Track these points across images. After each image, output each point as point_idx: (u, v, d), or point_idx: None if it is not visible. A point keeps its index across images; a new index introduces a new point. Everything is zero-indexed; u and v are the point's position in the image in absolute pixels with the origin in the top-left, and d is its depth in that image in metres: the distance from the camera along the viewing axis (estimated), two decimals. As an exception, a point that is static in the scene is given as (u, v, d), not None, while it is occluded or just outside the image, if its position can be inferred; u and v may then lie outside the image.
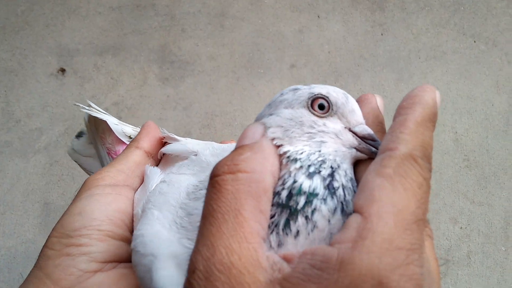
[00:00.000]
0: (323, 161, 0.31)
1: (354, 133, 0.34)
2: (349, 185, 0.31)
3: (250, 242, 0.24)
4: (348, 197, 0.30)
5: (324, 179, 0.30)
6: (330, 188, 0.30)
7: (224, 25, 1.32)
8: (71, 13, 1.37)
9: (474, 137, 1.23)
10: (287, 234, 0.29)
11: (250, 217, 0.25)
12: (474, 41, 1.27)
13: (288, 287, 0.22)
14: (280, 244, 0.28)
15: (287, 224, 0.29)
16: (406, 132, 0.26)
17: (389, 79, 1.27)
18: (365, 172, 0.26)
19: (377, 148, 0.32)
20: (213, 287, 0.22)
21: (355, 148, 0.33)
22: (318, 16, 1.31)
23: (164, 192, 0.39)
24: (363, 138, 0.33)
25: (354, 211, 0.24)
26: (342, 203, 0.29)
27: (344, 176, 0.31)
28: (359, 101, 0.34)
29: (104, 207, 0.38)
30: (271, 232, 0.29)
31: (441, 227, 1.19)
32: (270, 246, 0.29)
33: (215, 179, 0.26)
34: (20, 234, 1.24)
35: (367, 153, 0.33)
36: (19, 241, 1.23)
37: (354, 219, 0.23)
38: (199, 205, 0.33)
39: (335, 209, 0.29)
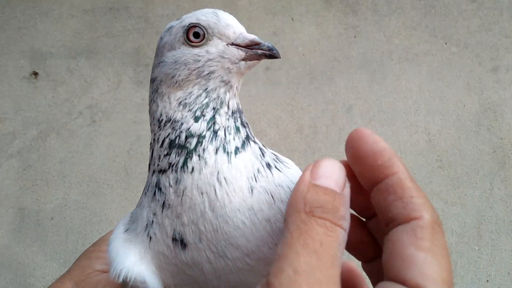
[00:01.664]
0: (207, 104, 0.35)
1: (238, 45, 0.36)
2: (231, 123, 0.36)
3: None
4: (229, 137, 0.35)
5: (207, 122, 0.35)
6: (212, 131, 0.35)
7: (198, 28, 1.36)
8: (43, 15, 1.39)
9: (447, 137, 1.28)
10: (184, 171, 0.34)
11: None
12: (446, 43, 1.32)
13: None
14: (177, 181, 0.34)
15: (185, 163, 0.34)
16: (415, 195, 0.28)
17: (362, 81, 1.31)
18: (399, 239, 0.27)
19: (262, 50, 0.36)
20: None
21: (243, 59, 0.36)
22: (292, 19, 1.36)
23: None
24: (247, 46, 0.36)
25: (404, 281, 0.26)
26: (223, 144, 0.34)
27: (225, 114, 0.36)
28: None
29: None
30: (171, 172, 0.34)
31: (414, 227, 1.23)
32: (169, 184, 0.34)
33: (317, 220, 0.27)
34: (-7, 240, 1.26)
35: (256, 57, 0.36)
36: (-8, 247, 1.25)
37: None
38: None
39: (217, 149, 0.34)
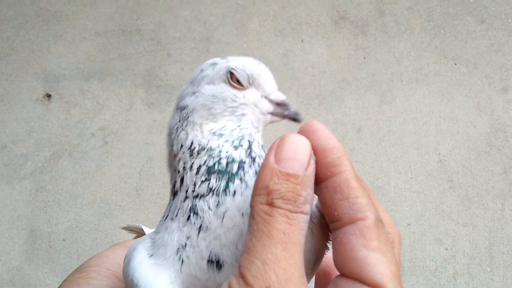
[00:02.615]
0: (243, 137, 0.39)
1: (270, 100, 0.41)
2: (261, 152, 0.39)
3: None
4: (261, 162, 0.38)
5: (246, 150, 0.38)
6: (251, 157, 0.38)
7: (209, 50, 1.40)
8: (56, 38, 1.44)
9: (457, 158, 1.30)
10: (226, 194, 0.36)
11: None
12: (455, 64, 1.35)
13: None
14: (218, 204, 0.36)
15: (227, 186, 0.36)
16: (359, 195, 0.30)
17: (372, 102, 1.34)
18: (348, 240, 0.30)
19: (289, 111, 0.41)
20: None
21: (270, 113, 0.41)
22: (302, 40, 1.39)
23: None
24: (277, 104, 0.41)
25: (372, 286, 0.29)
26: (259, 167, 0.37)
27: (257, 146, 0.39)
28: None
29: (120, 252, 0.50)
30: (211, 196, 0.36)
31: (426, 248, 1.25)
32: (208, 208, 0.36)
33: (278, 211, 0.29)
34: (5, 262, 1.28)
35: (281, 116, 0.41)
36: (5, 268, 1.28)
37: None
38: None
39: (256, 172, 0.37)
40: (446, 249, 1.25)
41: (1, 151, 1.37)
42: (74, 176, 1.34)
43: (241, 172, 0.37)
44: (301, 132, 0.32)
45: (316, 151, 0.31)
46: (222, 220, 0.36)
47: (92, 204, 1.32)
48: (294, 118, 0.41)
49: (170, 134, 0.41)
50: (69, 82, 1.41)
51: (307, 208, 0.30)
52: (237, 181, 0.37)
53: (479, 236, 1.25)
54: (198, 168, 0.38)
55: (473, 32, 1.38)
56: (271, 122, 0.42)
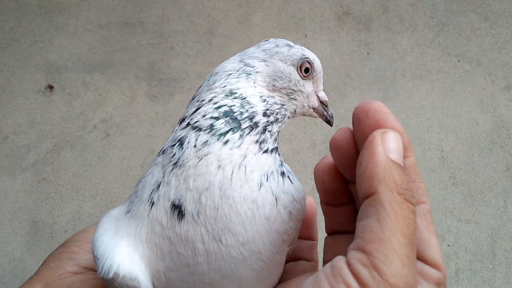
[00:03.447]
0: (277, 112, 0.42)
1: (318, 97, 0.46)
2: (275, 134, 0.41)
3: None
4: (270, 139, 0.40)
5: (267, 121, 0.40)
6: (264, 128, 0.40)
7: (212, 43, 1.41)
8: (59, 30, 1.45)
9: (460, 155, 1.32)
10: (218, 139, 0.37)
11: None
12: (459, 61, 1.36)
13: None
14: (205, 143, 0.37)
15: (226, 133, 0.37)
16: (422, 181, 0.33)
17: (375, 97, 1.36)
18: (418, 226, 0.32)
19: (327, 113, 0.47)
20: None
21: (313, 108, 0.46)
22: (305, 35, 1.41)
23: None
24: (322, 102, 0.46)
25: (431, 265, 0.32)
26: (262, 141, 0.39)
27: (277, 127, 0.42)
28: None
29: None
30: (207, 133, 0.37)
31: (427, 244, 1.27)
32: (195, 143, 0.37)
33: (408, 205, 0.30)
34: (7, 253, 1.30)
35: (320, 114, 0.47)
36: (7, 260, 1.29)
37: (435, 273, 0.31)
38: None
39: (256, 141, 0.39)
40: (448, 245, 1.27)
41: (3, 142, 1.38)
42: (76, 168, 1.36)
43: (246, 131, 0.38)
44: (368, 109, 0.33)
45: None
46: (198, 161, 0.36)
47: (94, 196, 1.33)
48: (329, 121, 0.48)
49: (218, 74, 0.43)
50: (71, 74, 1.42)
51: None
52: (237, 134, 0.38)
53: (481, 233, 1.27)
54: (221, 106, 0.39)
55: (477, 30, 1.39)
56: (307, 115, 0.46)
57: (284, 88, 0.43)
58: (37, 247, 1.31)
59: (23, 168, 1.36)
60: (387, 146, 0.31)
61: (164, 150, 0.39)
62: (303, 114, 0.46)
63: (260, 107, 0.40)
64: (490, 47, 1.37)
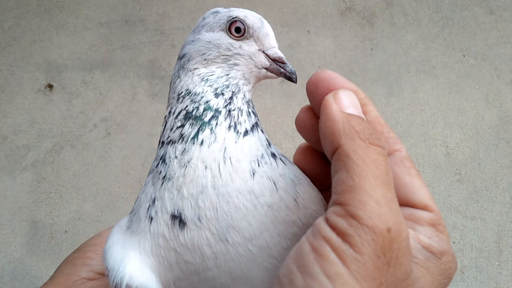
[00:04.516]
0: (227, 86, 0.40)
1: (267, 55, 0.41)
2: (245, 107, 0.39)
3: None
4: (241, 118, 0.38)
5: (225, 100, 0.39)
6: (228, 109, 0.38)
7: (214, 40, 1.43)
8: (59, 28, 1.47)
9: (466, 151, 1.33)
10: (193, 142, 0.37)
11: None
12: (464, 56, 1.37)
13: None
14: (184, 152, 0.37)
15: (196, 134, 0.37)
16: (390, 129, 0.35)
17: (379, 94, 1.37)
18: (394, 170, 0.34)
19: (285, 70, 0.41)
20: None
21: (265, 68, 0.41)
22: (308, 31, 1.42)
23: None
24: (274, 60, 0.42)
25: (420, 208, 0.33)
26: (235, 123, 0.38)
27: (241, 99, 0.40)
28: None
29: None
30: (180, 143, 0.37)
31: (433, 242, 1.27)
32: (175, 155, 0.37)
33: (376, 149, 0.30)
34: (7, 254, 1.31)
35: (277, 72, 0.42)
36: (6, 260, 1.30)
37: (427, 214, 0.32)
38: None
39: (229, 126, 0.37)
40: (454, 242, 1.27)
41: (3, 142, 1.39)
42: (76, 168, 1.37)
43: (213, 122, 0.37)
44: (317, 80, 0.35)
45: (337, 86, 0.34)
46: (184, 169, 0.36)
47: (94, 196, 1.35)
48: (290, 77, 0.42)
49: (170, 85, 0.42)
50: (71, 73, 1.44)
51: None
52: (207, 130, 0.37)
53: (487, 230, 1.28)
54: (179, 113, 0.39)
55: (482, 24, 1.40)
56: (265, 78, 0.42)
57: (217, 57, 0.40)
58: (37, 248, 1.32)
59: (23, 168, 1.37)
60: (341, 103, 0.32)
61: (151, 171, 0.40)
62: (260, 78, 0.42)
63: (208, 92, 0.39)
64: (495, 42, 1.38)
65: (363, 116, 0.33)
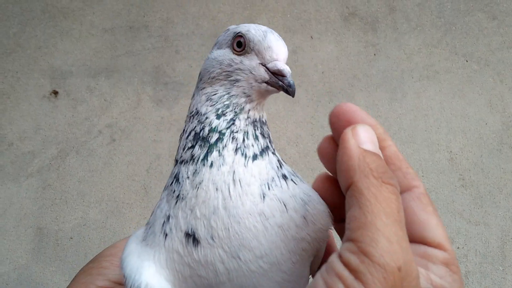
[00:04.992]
0: (228, 106, 0.40)
1: (267, 68, 0.40)
2: (250, 129, 0.40)
3: None
4: (247, 141, 0.39)
5: (227, 122, 0.39)
6: (231, 131, 0.39)
7: (217, 47, 1.45)
8: (63, 35, 1.49)
9: (469, 156, 1.34)
10: (204, 164, 0.38)
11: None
12: (466, 61, 1.39)
13: None
14: (195, 173, 0.38)
15: (205, 156, 0.38)
16: (408, 165, 0.35)
17: (382, 99, 1.39)
18: (411, 206, 0.34)
19: (283, 83, 0.40)
20: None
21: (265, 82, 0.40)
22: (311, 37, 1.44)
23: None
24: (273, 73, 0.40)
25: (434, 246, 0.33)
26: (242, 146, 0.38)
27: (245, 120, 0.40)
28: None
29: None
30: (191, 164, 0.38)
31: (437, 247, 1.29)
32: (187, 175, 0.38)
33: (388, 187, 0.31)
34: (12, 260, 1.33)
35: (276, 86, 0.40)
36: (12, 267, 1.32)
37: (441, 253, 0.33)
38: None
39: (236, 149, 0.38)
40: (458, 247, 1.29)
41: (8, 149, 1.41)
42: (82, 174, 1.39)
43: (219, 145, 0.38)
44: (338, 112, 0.36)
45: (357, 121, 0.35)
46: (196, 191, 0.37)
47: (99, 202, 1.37)
48: (286, 90, 0.40)
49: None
50: (76, 79, 1.46)
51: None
52: (215, 153, 0.38)
53: (491, 235, 1.29)
54: (190, 133, 0.40)
55: (485, 29, 1.42)
56: (268, 93, 0.41)
57: (220, 74, 0.41)
58: (42, 254, 1.33)
59: (28, 175, 1.39)
60: (359, 139, 0.33)
61: (166, 187, 0.41)
62: (262, 93, 0.41)
63: (211, 112, 0.39)
64: (498, 47, 1.40)
65: (379, 152, 0.34)
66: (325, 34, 1.44)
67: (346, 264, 0.29)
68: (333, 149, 0.37)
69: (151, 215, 0.43)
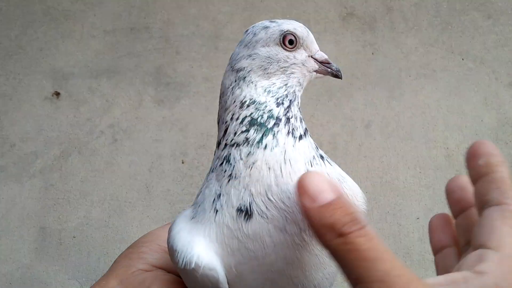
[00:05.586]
0: (286, 95, 0.46)
1: (315, 59, 0.50)
2: (298, 114, 0.47)
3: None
4: (296, 124, 0.45)
5: (285, 109, 0.46)
6: (287, 116, 0.45)
7: (218, 47, 1.49)
8: (65, 36, 1.53)
9: (465, 152, 1.38)
10: (258, 146, 0.43)
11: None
12: (462, 59, 1.44)
13: None
14: (249, 154, 0.43)
15: (261, 139, 0.44)
16: (510, 189, 0.37)
17: (381, 97, 1.43)
18: (490, 216, 0.36)
19: (331, 69, 0.50)
20: None
21: (315, 71, 0.50)
22: (310, 37, 1.48)
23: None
24: (321, 62, 0.50)
25: (487, 246, 0.34)
26: (293, 128, 0.45)
27: (296, 106, 0.47)
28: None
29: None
30: (245, 146, 0.43)
31: (436, 242, 1.33)
32: (240, 157, 0.43)
33: (353, 234, 0.33)
34: (15, 260, 1.36)
35: (325, 73, 0.51)
36: (15, 266, 1.35)
37: (494, 255, 0.34)
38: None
39: (288, 132, 0.44)
40: (456, 242, 1.33)
41: (10, 150, 1.45)
42: (84, 174, 1.42)
43: (275, 129, 0.44)
44: (478, 148, 0.40)
45: (484, 154, 0.39)
46: (250, 170, 0.43)
47: (102, 201, 1.40)
48: (337, 75, 0.52)
49: (224, 93, 0.49)
50: (77, 80, 1.50)
51: (365, 220, 0.34)
52: (270, 135, 0.44)
53: (488, 230, 1.33)
54: (243, 119, 0.45)
55: (480, 28, 1.47)
56: (316, 78, 0.51)
57: (278, 70, 0.47)
58: (46, 254, 1.37)
59: (31, 175, 1.43)
60: (310, 196, 0.35)
61: (213, 169, 0.46)
62: (310, 80, 0.50)
63: (271, 101, 0.46)
64: (493, 45, 1.45)
65: (334, 195, 0.35)
66: (324, 34, 1.49)
67: None
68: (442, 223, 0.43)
69: (197, 196, 0.48)
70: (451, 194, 0.45)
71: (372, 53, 1.46)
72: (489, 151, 0.39)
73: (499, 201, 0.37)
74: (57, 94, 1.49)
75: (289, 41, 0.48)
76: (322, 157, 0.46)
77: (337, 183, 0.40)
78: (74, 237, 1.38)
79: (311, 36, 0.50)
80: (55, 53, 1.52)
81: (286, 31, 0.48)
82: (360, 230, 0.33)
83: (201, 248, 0.42)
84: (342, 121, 1.42)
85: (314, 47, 0.50)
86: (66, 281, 1.35)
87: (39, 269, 1.36)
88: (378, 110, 1.42)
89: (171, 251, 0.45)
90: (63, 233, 1.38)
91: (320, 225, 0.34)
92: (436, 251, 0.44)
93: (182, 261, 0.42)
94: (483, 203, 0.37)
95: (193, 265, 0.42)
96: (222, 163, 0.45)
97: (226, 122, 0.47)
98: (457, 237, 0.43)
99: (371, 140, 1.40)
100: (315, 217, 0.34)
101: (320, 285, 0.45)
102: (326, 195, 0.35)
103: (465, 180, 0.44)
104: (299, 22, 0.50)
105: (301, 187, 0.36)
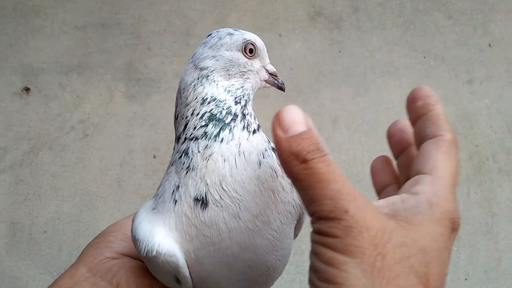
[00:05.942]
0: (243, 96, 0.51)
1: (266, 70, 0.55)
2: (252, 112, 0.52)
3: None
4: (251, 120, 0.50)
5: (242, 106, 0.50)
6: (243, 113, 0.50)
7: (189, 44, 1.52)
8: (35, 32, 1.53)
9: (427, 146, 1.46)
10: (215, 140, 0.47)
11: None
12: (424, 57, 1.51)
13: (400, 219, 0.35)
14: (206, 147, 0.47)
15: (218, 133, 0.48)
16: (445, 123, 0.42)
17: (347, 94, 1.49)
18: (426, 147, 0.40)
19: (278, 82, 0.55)
20: None
21: (265, 80, 0.54)
22: (280, 35, 1.53)
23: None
24: (271, 74, 0.55)
25: (423, 173, 0.38)
26: (248, 124, 0.49)
27: (251, 106, 0.52)
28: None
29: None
30: (203, 139, 0.47)
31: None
32: (198, 150, 0.47)
33: (314, 161, 0.35)
34: (-15, 255, 1.36)
35: (272, 84, 0.56)
36: (-15, 262, 1.36)
37: (427, 178, 0.37)
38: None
39: (243, 127, 0.49)
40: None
41: (-21, 145, 1.44)
42: (55, 169, 1.44)
43: (232, 124, 0.48)
44: (417, 93, 0.44)
45: (422, 97, 0.43)
46: (206, 162, 0.46)
47: (73, 196, 1.41)
48: (281, 87, 0.57)
49: (185, 89, 0.52)
50: (47, 76, 1.50)
51: (327, 150, 0.37)
52: (227, 130, 0.48)
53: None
54: (203, 114, 0.49)
55: (441, 27, 1.55)
56: (262, 87, 0.56)
57: (237, 73, 0.52)
58: (16, 249, 1.37)
59: (0, 170, 1.43)
60: (284, 127, 0.38)
61: (173, 162, 0.50)
62: (259, 88, 0.55)
63: (230, 100, 0.50)
64: (453, 44, 1.53)
65: (304, 127, 0.37)
66: (293, 32, 1.54)
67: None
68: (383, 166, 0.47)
69: (158, 188, 0.51)
70: (392, 137, 0.49)
71: (339, 51, 1.52)
72: (427, 94, 0.43)
73: (434, 134, 0.40)
74: (27, 89, 1.49)
75: (249, 50, 0.52)
76: (273, 149, 0.49)
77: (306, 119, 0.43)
78: (45, 231, 1.39)
79: (265, 49, 0.55)
80: (24, 49, 1.52)
81: (248, 40, 0.52)
82: (322, 157, 0.36)
83: (161, 237, 0.46)
84: (310, 116, 1.45)
85: (267, 60, 0.55)
86: (38, 276, 1.36)
87: (9, 264, 1.36)
88: (344, 106, 1.48)
89: (134, 240, 0.48)
90: (34, 228, 1.39)
91: (288, 153, 0.36)
92: (380, 190, 0.48)
93: (144, 249, 0.46)
94: (421, 139, 0.41)
95: (154, 253, 0.45)
96: (181, 156, 0.48)
97: (186, 118, 0.50)
98: (399, 176, 0.47)
99: (338, 134, 1.46)
100: (285, 145, 0.36)
101: (274, 266, 0.49)
102: (298, 127, 0.37)
103: (404, 123, 0.48)
104: (255, 34, 0.56)
105: (277, 118, 0.38)
